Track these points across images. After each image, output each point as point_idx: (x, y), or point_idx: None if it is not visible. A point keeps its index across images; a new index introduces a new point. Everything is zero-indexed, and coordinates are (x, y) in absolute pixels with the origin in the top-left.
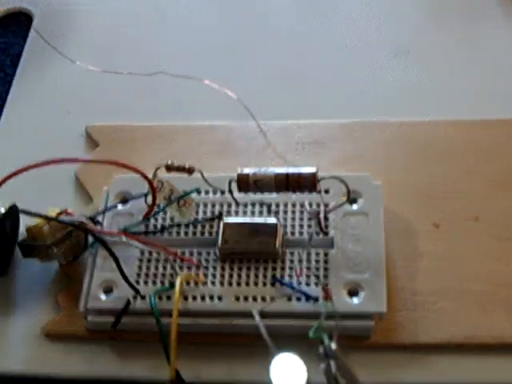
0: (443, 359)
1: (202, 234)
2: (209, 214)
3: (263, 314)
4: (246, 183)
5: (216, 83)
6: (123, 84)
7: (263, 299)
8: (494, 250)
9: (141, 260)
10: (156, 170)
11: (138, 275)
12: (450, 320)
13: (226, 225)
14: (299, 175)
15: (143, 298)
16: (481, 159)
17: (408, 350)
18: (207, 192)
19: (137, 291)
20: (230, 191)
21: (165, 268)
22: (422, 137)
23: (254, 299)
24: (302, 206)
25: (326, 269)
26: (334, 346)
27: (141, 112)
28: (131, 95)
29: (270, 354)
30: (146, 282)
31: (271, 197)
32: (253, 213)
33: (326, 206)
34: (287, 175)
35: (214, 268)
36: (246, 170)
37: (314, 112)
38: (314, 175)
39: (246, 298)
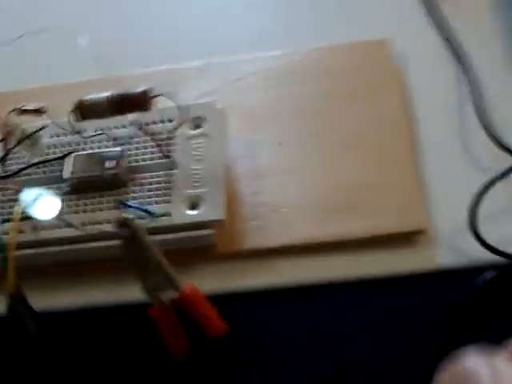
0: (286, 262)
1: (54, 172)
2: (60, 154)
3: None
4: (83, 109)
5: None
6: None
7: (109, 223)
8: (333, 161)
9: None
10: (9, 113)
11: None
12: (292, 225)
13: (73, 157)
14: (132, 94)
15: None
16: (325, 80)
17: (253, 256)
18: (59, 134)
19: None
20: (75, 129)
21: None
22: (269, 68)
23: (100, 223)
24: (148, 134)
25: (169, 188)
26: (128, 215)
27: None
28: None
29: None
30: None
31: (120, 130)
32: (103, 146)
33: (170, 132)
34: (121, 96)
35: (64, 200)
36: (82, 97)
37: (171, 56)
38: (145, 92)
39: (92, 224)
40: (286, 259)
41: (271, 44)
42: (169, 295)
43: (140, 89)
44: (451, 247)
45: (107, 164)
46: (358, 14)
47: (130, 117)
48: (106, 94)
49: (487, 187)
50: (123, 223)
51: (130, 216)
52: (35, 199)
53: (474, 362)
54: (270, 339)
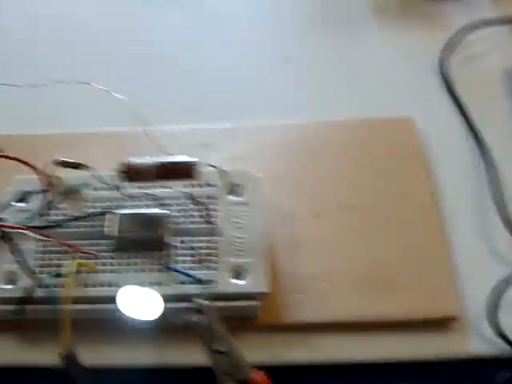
0: (325, 338)
1: (96, 226)
2: (102, 209)
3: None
4: (130, 172)
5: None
6: (18, 95)
7: (155, 284)
8: (370, 236)
9: (39, 252)
10: (49, 166)
11: (38, 266)
12: (331, 300)
13: (120, 216)
14: (177, 163)
15: (43, 286)
16: (353, 154)
17: (292, 329)
18: (100, 188)
19: (37, 280)
20: (117, 185)
21: (62, 259)
22: (299, 137)
23: (144, 285)
24: (191, 198)
25: (212, 255)
26: (206, 302)
27: (38, 120)
28: (27, 105)
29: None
30: (45, 273)
31: (162, 191)
32: (145, 205)
33: (212, 198)
34: (169, 164)
35: (109, 257)
36: (129, 160)
37: (204, 116)
38: (189, 163)
39: (138, 284)
40: (322, 335)
41: (296, 112)
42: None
43: (187, 159)
44: (477, 336)
45: (152, 225)
46: (381, 90)
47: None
48: (152, 159)
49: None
50: (199, 309)
51: (205, 302)
52: (133, 296)
53: None
54: None
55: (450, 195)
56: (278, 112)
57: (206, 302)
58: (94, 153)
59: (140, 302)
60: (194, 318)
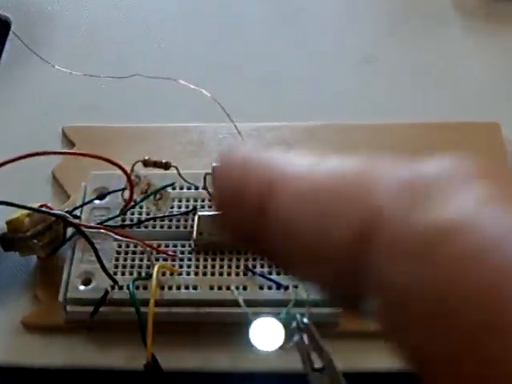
0: None
1: (178, 227)
2: (184, 209)
3: (237, 303)
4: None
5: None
6: (100, 86)
7: (236, 288)
8: None
9: (118, 252)
10: (133, 164)
11: (116, 267)
12: None
13: (201, 217)
14: None
15: (121, 288)
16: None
17: (375, 336)
18: (182, 187)
19: (115, 281)
20: (205, 185)
21: (141, 260)
22: (386, 138)
23: (228, 288)
24: None
25: None
26: (306, 320)
27: (117, 113)
28: (108, 97)
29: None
30: (123, 273)
31: None
32: None
33: None
34: None
35: (189, 259)
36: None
37: (284, 114)
38: None
39: (219, 288)
40: None
41: (377, 112)
42: None
43: None
44: None
45: None
46: (466, 93)
47: None
48: None
49: None
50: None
51: (305, 320)
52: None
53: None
54: None
55: None
56: (361, 113)
57: (306, 320)
58: (173, 147)
59: (266, 333)
60: (296, 337)
